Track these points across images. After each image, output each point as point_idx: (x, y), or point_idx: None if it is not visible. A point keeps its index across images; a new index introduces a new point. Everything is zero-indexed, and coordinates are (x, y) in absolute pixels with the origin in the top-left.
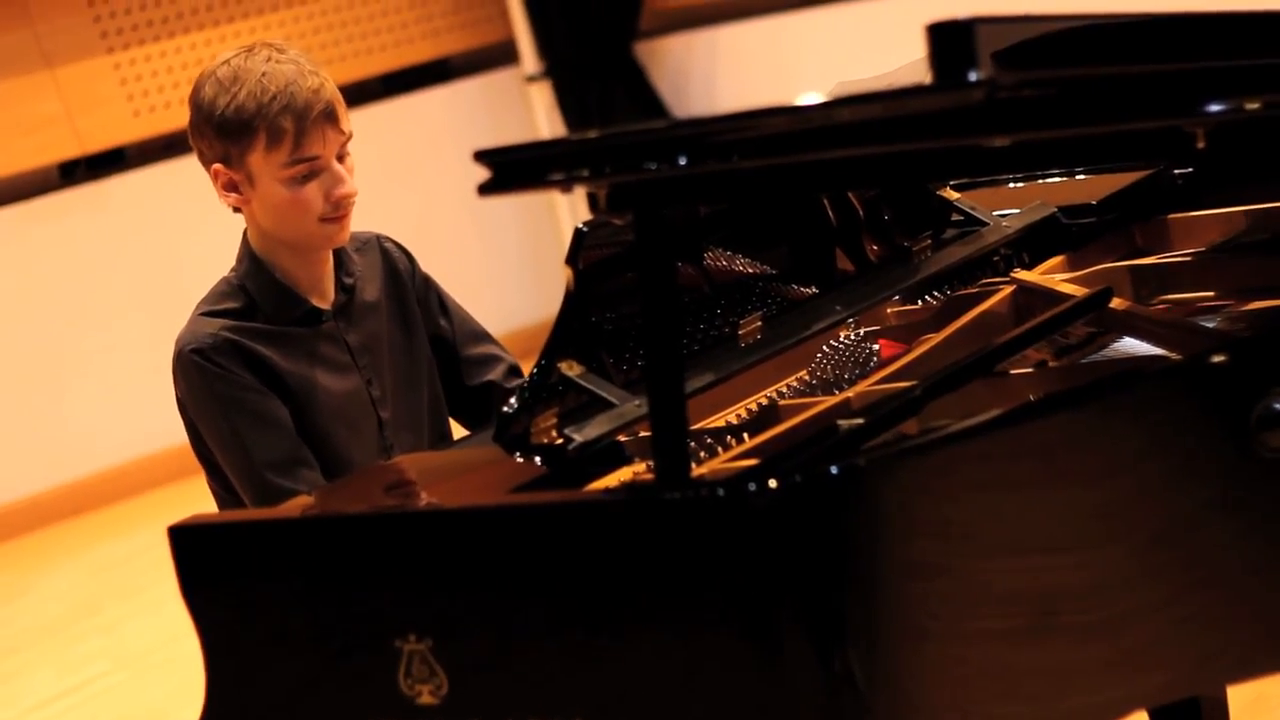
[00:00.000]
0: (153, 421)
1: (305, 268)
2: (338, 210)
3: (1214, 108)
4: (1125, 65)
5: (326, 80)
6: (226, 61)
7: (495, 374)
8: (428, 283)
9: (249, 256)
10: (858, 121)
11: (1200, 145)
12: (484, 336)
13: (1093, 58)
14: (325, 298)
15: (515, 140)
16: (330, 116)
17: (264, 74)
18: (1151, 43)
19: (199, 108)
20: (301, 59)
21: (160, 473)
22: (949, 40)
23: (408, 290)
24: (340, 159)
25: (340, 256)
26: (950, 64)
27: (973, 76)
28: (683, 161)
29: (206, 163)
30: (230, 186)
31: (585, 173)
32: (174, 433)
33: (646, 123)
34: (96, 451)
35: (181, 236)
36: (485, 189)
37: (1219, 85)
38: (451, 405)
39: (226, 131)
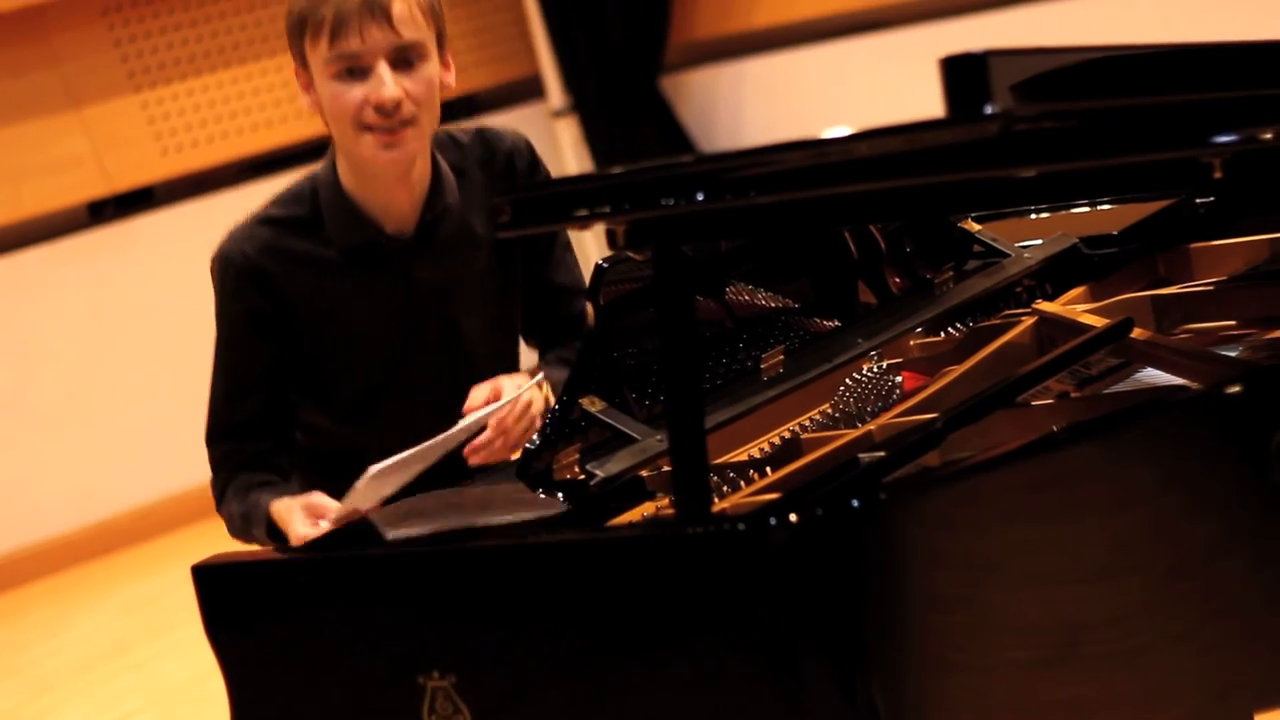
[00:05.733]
0: (181, 459)
1: (374, 190)
2: (382, 119)
3: (1228, 139)
4: (1140, 97)
5: None
6: None
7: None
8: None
9: (330, 162)
10: (874, 156)
11: (1218, 175)
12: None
13: (1107, 90)
14: (404, 225)
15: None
16: (376, 11)
17: None
18: (1165, 74)
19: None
20: None
21: (190, 510)
22: (963, 73)
23: None
24: (402, 67)
25: (437, 180)
26: (965, 97)
27: (988, 109)
28: (700, 197)
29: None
30: (306, 87)
31: (602, 210)
32: (203, 471)
33: (662, 159)
34: (125, 490)
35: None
36: (502, 228)
37: (1233, 116)
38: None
39: (291, 28)
